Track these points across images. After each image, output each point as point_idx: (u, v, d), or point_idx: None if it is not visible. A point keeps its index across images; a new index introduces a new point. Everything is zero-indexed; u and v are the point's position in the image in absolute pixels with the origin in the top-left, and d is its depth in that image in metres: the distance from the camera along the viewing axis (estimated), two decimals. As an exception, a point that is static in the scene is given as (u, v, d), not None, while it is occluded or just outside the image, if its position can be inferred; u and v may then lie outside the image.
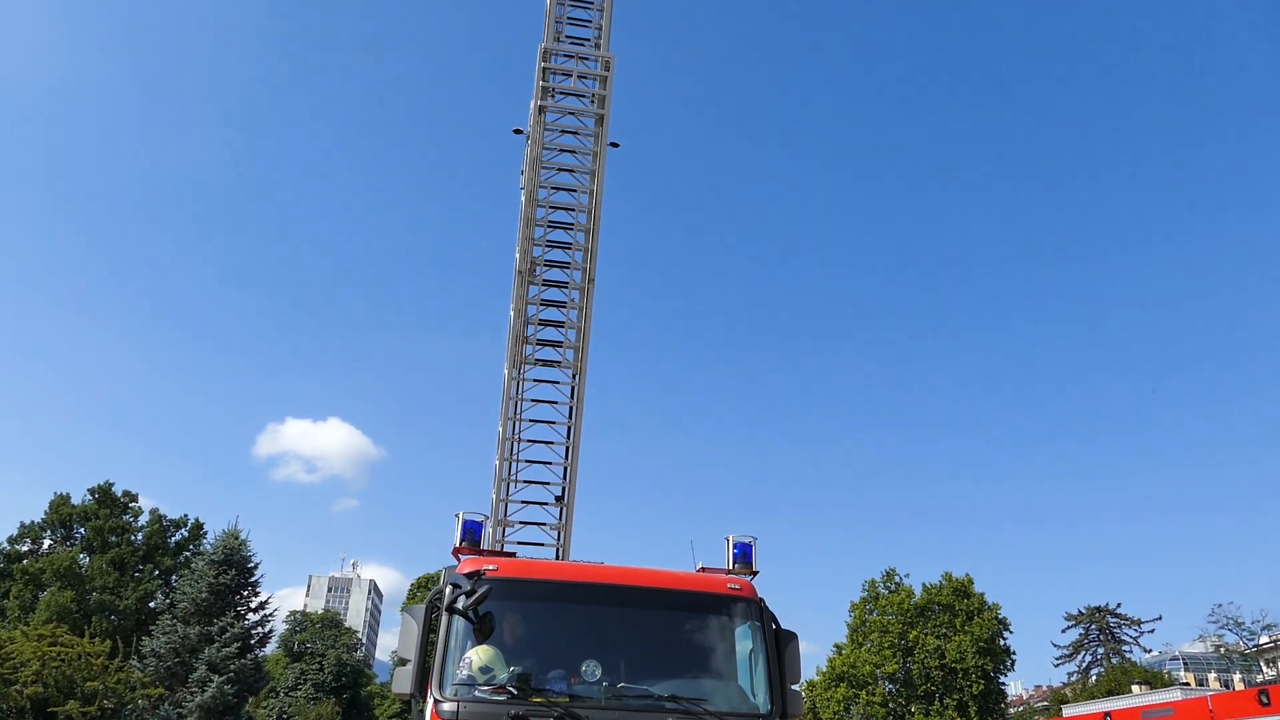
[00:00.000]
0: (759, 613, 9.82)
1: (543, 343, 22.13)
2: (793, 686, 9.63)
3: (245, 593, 41.32)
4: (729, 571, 10.46)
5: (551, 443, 21.80)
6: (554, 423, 21.83)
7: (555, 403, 21.93)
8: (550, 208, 22.10)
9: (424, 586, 67.59)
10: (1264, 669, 67.09)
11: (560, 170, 22.03)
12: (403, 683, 8.96)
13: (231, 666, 37.59)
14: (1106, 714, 25.05)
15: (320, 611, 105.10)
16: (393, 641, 11.28)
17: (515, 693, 8.65)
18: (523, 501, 21.72)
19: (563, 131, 21.57)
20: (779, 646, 9.68)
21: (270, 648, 59.45)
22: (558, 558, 21.28)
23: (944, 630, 55.95)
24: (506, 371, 21.95)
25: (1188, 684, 64.56)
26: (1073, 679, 77.30)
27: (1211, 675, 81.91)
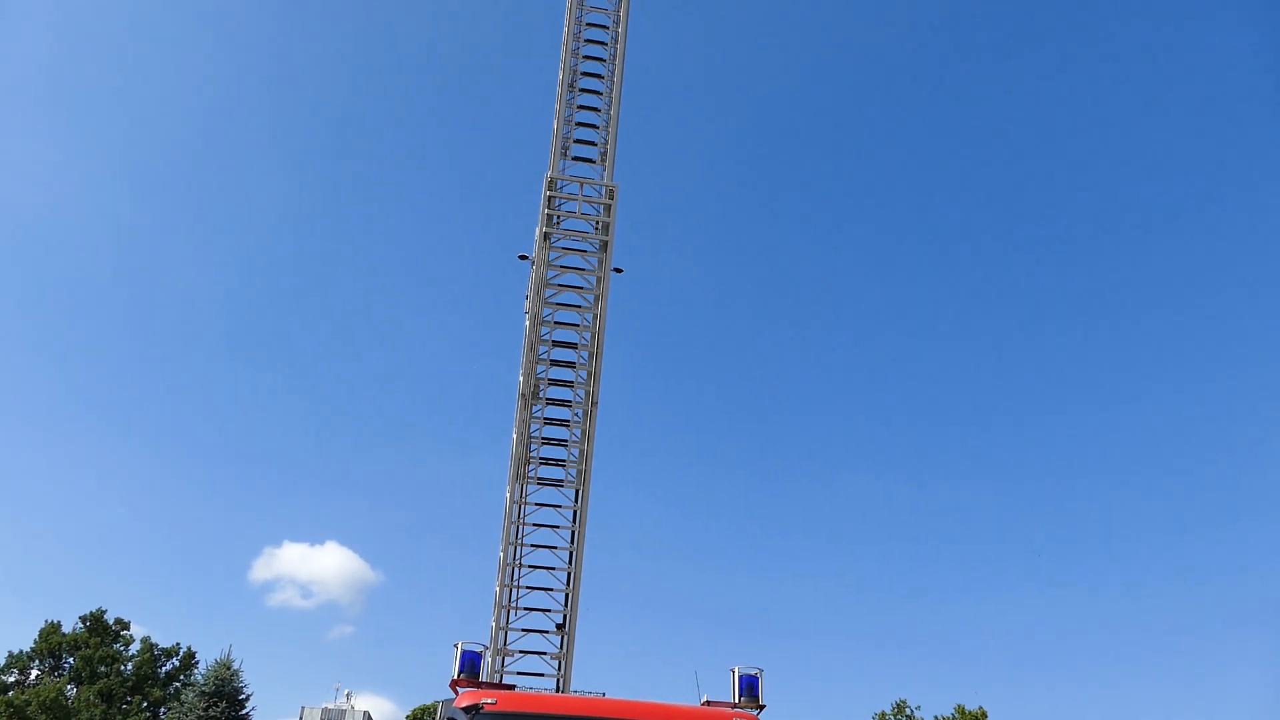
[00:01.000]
0: (767, 750, 9.39)
1: (545, 465, 21.93)
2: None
3: (235, 726, 39.86)
4: (735, 705, 10.06)
5: (553, 568, 21.35)
6: (555, 548, 21.44)
7: (557, 527, 21.59)
8: (554, 326, 22.29)
9: None
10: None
11: (564, 288, 22.30)
12: None
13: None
14: None
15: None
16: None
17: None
18: (523, 630, 21.12)
19: (566, 258, 21.94)
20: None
21: (259, 785, 56.98)
22: (559, 689, 20.55)
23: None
24: (508, 495, 21.69)
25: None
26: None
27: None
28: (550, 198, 21.94)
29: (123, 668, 50.59)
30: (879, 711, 58.60)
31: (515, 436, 21.80)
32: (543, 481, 21.72)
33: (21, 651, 50.66)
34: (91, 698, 47.39)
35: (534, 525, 21.61)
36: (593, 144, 23.28)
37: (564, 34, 24.36)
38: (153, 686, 50.27)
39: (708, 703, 10.15)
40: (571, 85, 23.96)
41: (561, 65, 24.04)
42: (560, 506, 21.77)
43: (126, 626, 52.39)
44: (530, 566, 21.36)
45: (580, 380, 21.93)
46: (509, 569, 21.38)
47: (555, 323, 22.08)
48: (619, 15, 24.82)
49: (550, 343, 22.08)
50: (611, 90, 23.64)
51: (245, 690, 40.54)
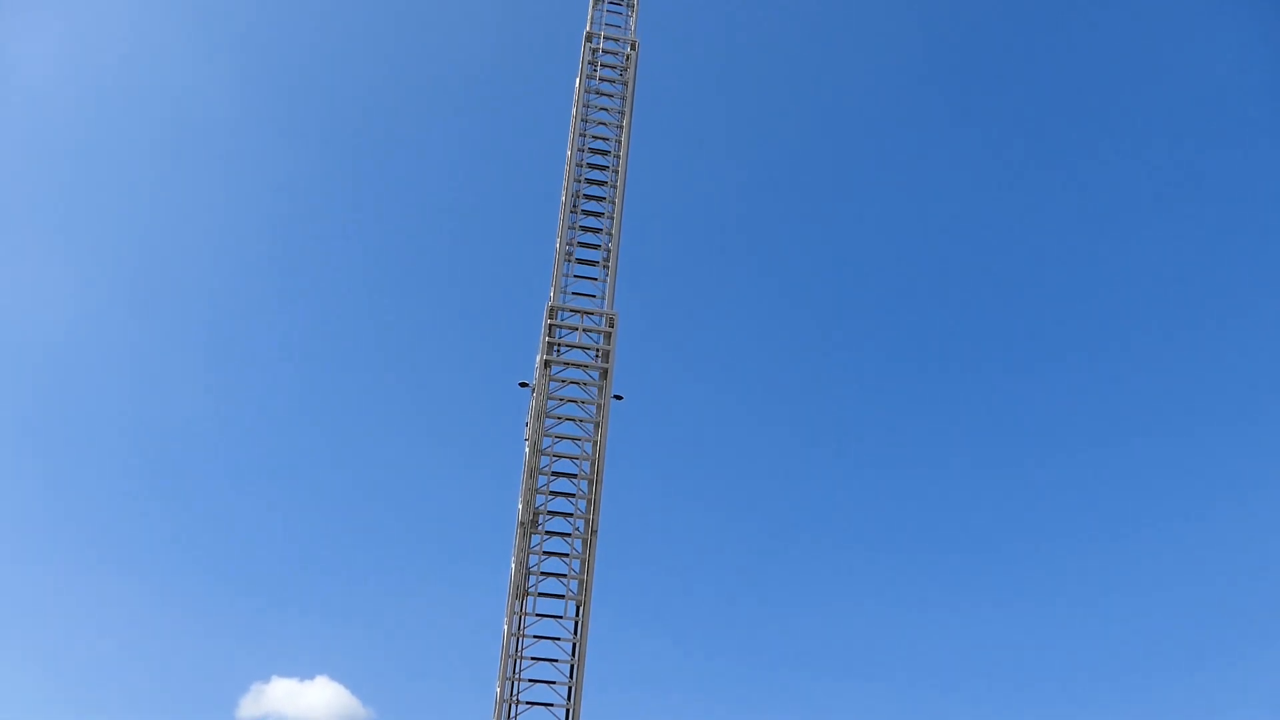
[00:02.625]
0: None
1: (544, 598, 21.55)
2: None
3: None
4: None
5: (551, 704, 20.78)
6: (554, 683, 20.92)
7: (555, 660, 21.09)
8: (555, 455, 22.20)
9: None
10: None
11: (565, 418, 22.32)
12: None
13: None
14: None
15: None
16: None
17: None
18: (520, 769, 20.44)
19: (566, 386, 22.05)
20: None
21: None
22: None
23: None
24: (505, 627, 21.25)
25: None
26: None
27: None
28: (551, 326, 22.19)
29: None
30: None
31: (514, 566, 21.50)
32: (541, 615, 21.30)
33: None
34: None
35: (532, 659, 21.13)
36: (593, 267, 23.66)
37: (565, 168, 25.05)
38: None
39: None
40: (574, 209, 24.51)
41: (564, 191, 24.63)
42: (559, 639, 21.32)
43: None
44: (528, 703, 20.79)
45: (580, 509, 21.74)
46: (505, 705, 20.80)
47: (555, 452, 22.02)
48: (620, 142, 25.57)
49: (550, 471, 21.98)
50: (613, 219, 24.16)
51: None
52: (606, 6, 27.37)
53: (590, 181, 24.78)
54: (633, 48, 26.80)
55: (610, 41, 26.85)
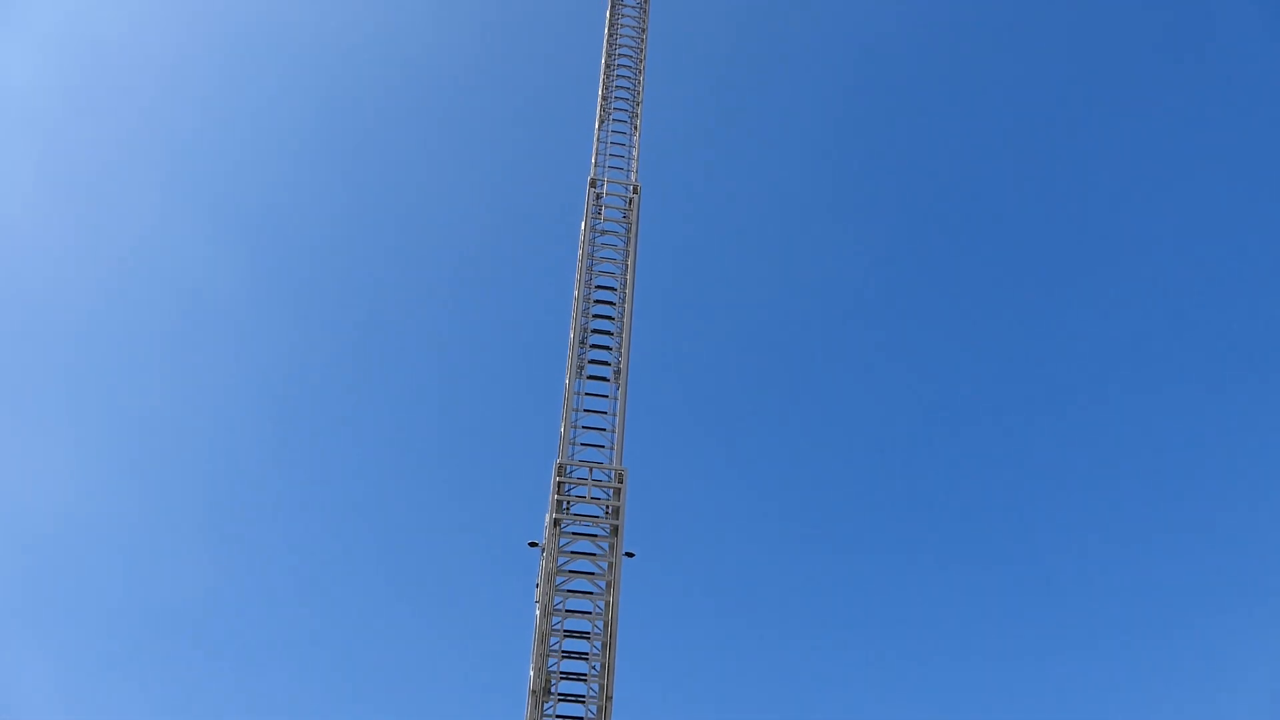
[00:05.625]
0: None
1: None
2: None
3: None
4: None
5: None
6: None
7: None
8: (565, 616, 21.81)
9: None
10: None
11: (575, 574, 22.01)
12: None
13: None
14: None
15: None
16: None
17: None
18: None
19: (576, 543, 21.77)
20: None
21: None
22: None
23: None
24: (520, 801, 20.59)
25: None
26: None
27: None
28: (560, 483, 22.04)
29: None
30: None
31: (527, 735, 20.94)
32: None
33: None
34: None
35: (547, 836, 20.40)
36: (601, 417, 23.59)
37: (572, 313, 25.24)
38: None
39: None
40: (580, 365, 24.59)
41: (570, 343, 24.73)
42: (575, 812, 20.63)
43: None
44: None
45: (594, 673, 21.26)
46: None
47: (567, 612, 21.63)
48: (625, 295, 25.78)
49: (562, 634, 21.56)
50: (620, 371, 24.20)
51: None
52: (610, 152, 27.99)
53: (597, 331, 24.92)
54: (635, 191, 27.27)
55: (614, 183, 27.39)
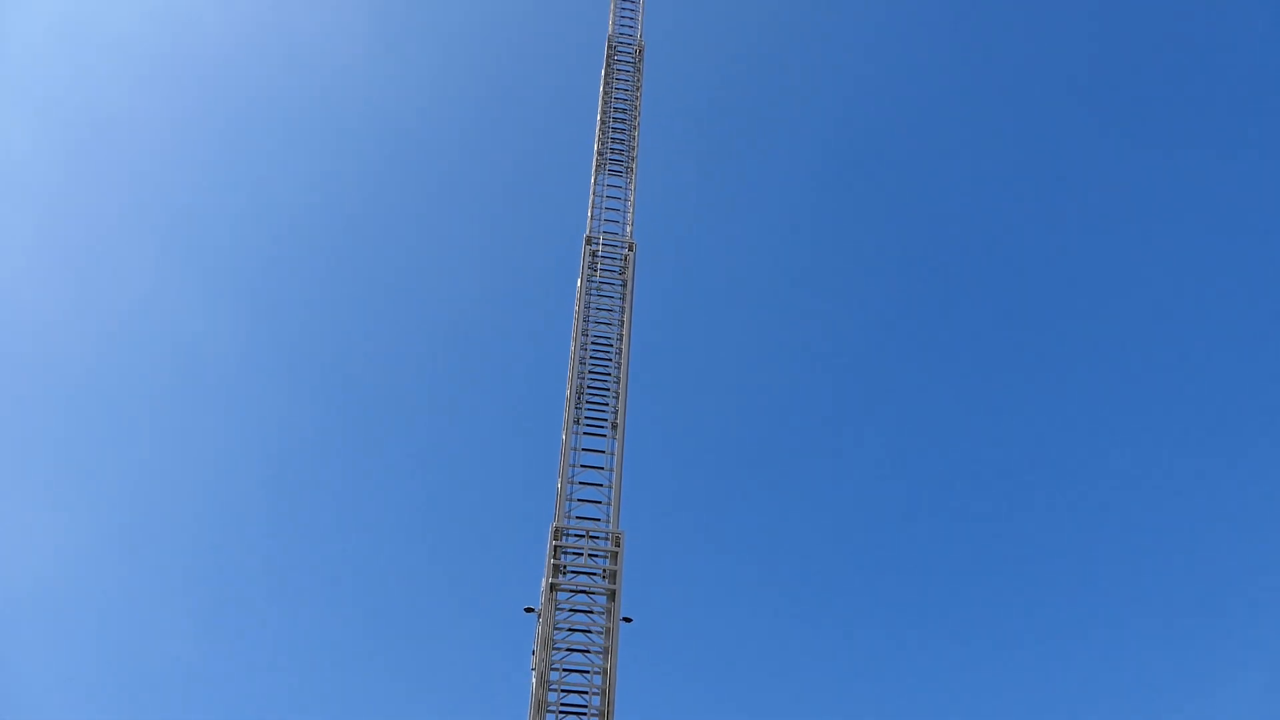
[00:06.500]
0: None
1: None
2: None
3: None
4: None
5: None
6: None
7: None
8: (563, 685, 21.16)
9: None
10: None
11: (574, 632, 21.42)
12: None
13: None
14: None
15: None
16: None
17: None
18: None
19: (573, 611, 21.19)
20: None
21: None
22: None
23: None
24: None
25: None
26: None
27: None
28: (556, 547, 21.57)
29: None
30: None
31: (523, 810, 20.18)
32: None
33: None
34: None
35: None
36: (599, 470, 23.15)
37: (569, 369, 24.94)
38: None
39: None
40: (577, 421, 24.21)
41: (567, 402, 24.38)
42: None
43: None
44: None
45: (591, 746, 20.55)
46: None
47: (564, 684, 20.98)
48: (621, 350, 25.51)
49: (559, 704, 20.90)
50: (617, 427, 23.84)
51: None
52: (605, 206, 27.95)
53: (593, 388, 24.62)
54: (630, 248, 27.18)
55: (609, 240, 27.29)
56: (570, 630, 21.23)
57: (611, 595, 21.34)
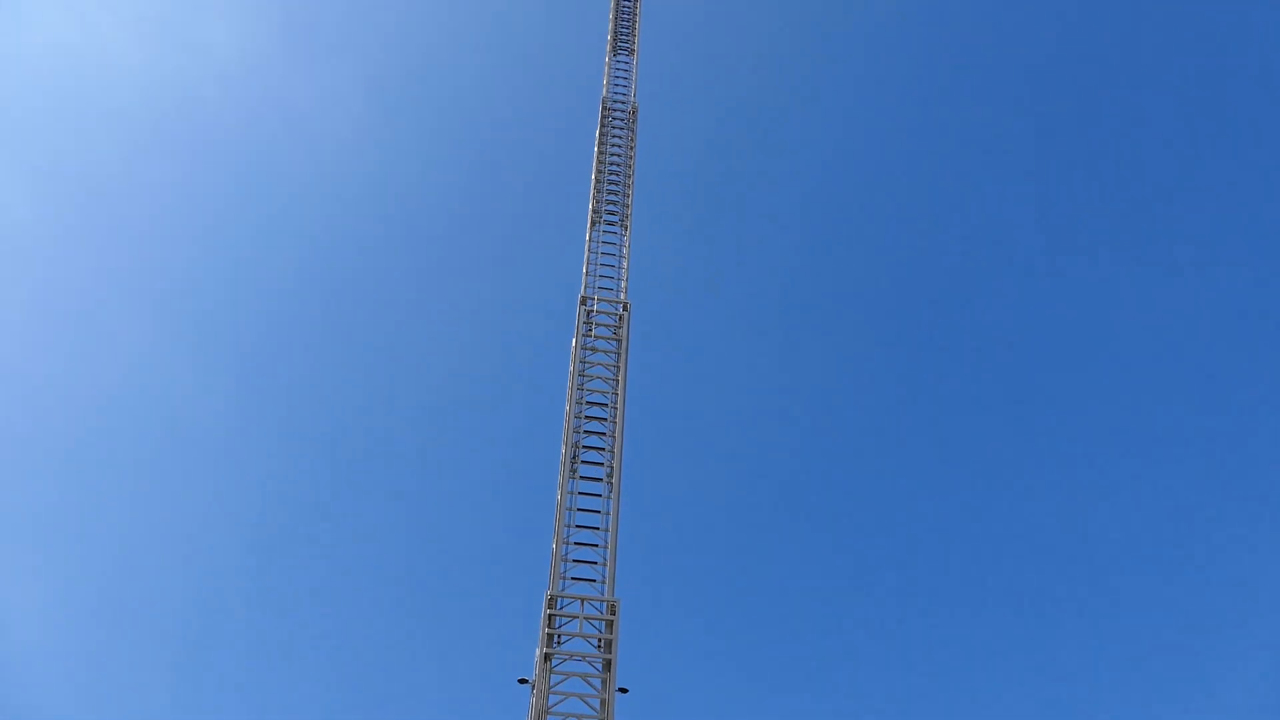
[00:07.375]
0: None
1: None
2: None
3: None
4: None
5: None
6: None
7: None
8: (558, 758, 20.69)
9: None
10: None
11: (569, 714, 20.97)
12: None
13: None
14: None
15: None
16: None
17: None
18: None
19: (567, 680, 20.79)
20: None
21: None
22: None
23: None
24: None
25: None
26: None
27: None
28: (551, 616, 21.21)
29: None
30: None
31: None
32: None
33: None
34: None
35: None
36: (594, 544, 22.87)
37: (564, 426, 24.75)
38: None
39: None
40: (572, 480, 23.97)
41: (562, 465, 24.17)
42: None
43: None
44: None
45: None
46: None
47: (558, 755, 20.52)
48: (616, 411, 25.37)
49: (554, 778, 20.41)
50: (612, 489, 23.61)
51: None
52: (600, 262, 27.96)
53: (589, 448, 24.43)
54: (625, 309, 27.13)
55: (604, 303, 27.25)
56: (565, 697, 20.79)
57: (607, 665, 20.94)
